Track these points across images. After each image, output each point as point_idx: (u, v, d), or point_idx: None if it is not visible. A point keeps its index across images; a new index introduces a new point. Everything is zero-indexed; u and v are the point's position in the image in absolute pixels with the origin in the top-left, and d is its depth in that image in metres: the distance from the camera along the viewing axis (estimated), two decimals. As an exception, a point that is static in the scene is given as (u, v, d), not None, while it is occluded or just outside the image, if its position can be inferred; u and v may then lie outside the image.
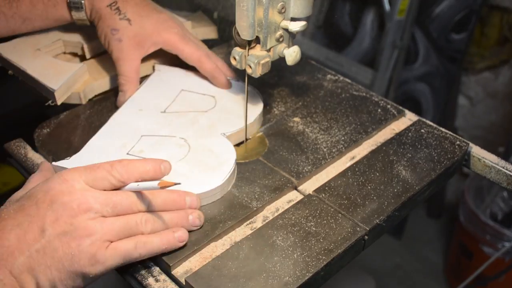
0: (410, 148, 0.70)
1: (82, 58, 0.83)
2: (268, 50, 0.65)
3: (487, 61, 1.81)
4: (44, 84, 0.73)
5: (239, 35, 0.62)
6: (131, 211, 0.52)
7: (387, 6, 1.56)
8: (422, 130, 0.73)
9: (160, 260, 0.54)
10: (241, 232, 0.58)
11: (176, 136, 0.67)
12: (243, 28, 0.61)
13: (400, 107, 0.77)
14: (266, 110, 0.76)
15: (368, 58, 1.72)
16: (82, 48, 0.82)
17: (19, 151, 0.68)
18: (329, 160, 0.68)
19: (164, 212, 0.54)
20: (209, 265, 0.53)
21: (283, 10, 0.62)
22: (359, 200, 0.61)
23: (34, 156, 0.68)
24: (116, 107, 0.74)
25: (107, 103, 0.76)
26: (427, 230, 1.97)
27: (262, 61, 0.64)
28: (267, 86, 0.81)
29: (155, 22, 0.74)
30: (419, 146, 0.70)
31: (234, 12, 0.61)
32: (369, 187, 0.63)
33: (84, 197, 0.49)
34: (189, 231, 0.56)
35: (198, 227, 0.57)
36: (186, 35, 0.77)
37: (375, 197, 0.62)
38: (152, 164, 0.53)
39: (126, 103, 0.72)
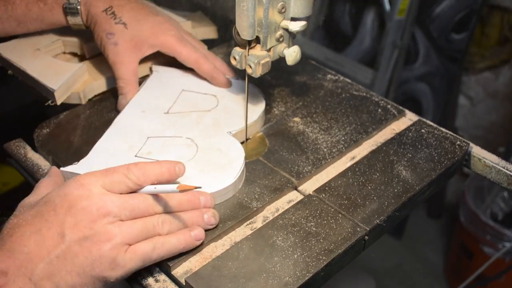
0: (411, 148, 0.70)
1: (82, 58, 0.83)
2: (268, 50, 0.65)
3: (488, 61, 1.81)
4: (44, 84, 0.73)
5: (239, 35, 0.62)
6: (148, 214, 0.52)
7: (387, 6, 1.56)
8: (423, 130, 0.73)
9: (160, 261, 0.54)
10: (241, 232, 0.58)
11: (182, 137, 0.67)
12: (243, 28, 0.61)
13: (400, 107, 0.77)
14: (266, 110, 0.76)
15: (368, 58, 1.72)
16: (82, 48, 0.82)
17: (18, 151, 0.68)
18: (329, 160, 0.67)
19: (180, 213, 0.55)
20: (209, 265, 0.53)
21: (283, 10, 0.62)
22: (359, 200, 0.61)
23: (34, 156, 0.68)
24: (116, 107, 0.74)
25: (107, 103, 0.76)
26: (428, 230, 1.97)
27: (262, 61, 0.64)
28: (267, 86, 0.81)
29: (152, 25, 0.74)
30: (419, 146, 0.70)
31: (234, 12, 0.60)
32: (369, 187, 0.63)
33: (102, 201, 0.49)
34: (205, 230, 0.56)
35: (214, 226, 0.57)
36: (183, 37, 0.76)
37: (375, 197, 0.62)
38: (167, 166, 0.54)
39: (128, 105, 0.72)
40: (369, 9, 1.70)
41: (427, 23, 1.63)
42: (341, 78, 0.83)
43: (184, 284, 0.52)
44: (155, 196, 0.53)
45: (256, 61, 0.63)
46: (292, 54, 0.66)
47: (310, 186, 0.65)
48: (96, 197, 0.50)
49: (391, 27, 1.56)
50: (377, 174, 0.65)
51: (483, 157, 0.70)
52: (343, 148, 0.69)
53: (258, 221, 0.60)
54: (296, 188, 0.64)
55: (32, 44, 0.80)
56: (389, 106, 0.77)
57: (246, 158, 0.67)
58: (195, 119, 0.70)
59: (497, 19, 1.74)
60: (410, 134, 0.72)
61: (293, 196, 0.63)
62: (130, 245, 0.50)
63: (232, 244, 0.57)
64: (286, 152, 0.68)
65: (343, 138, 0.71)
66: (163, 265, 0.54)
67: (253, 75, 0.65)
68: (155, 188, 0.52)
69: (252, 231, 0.58)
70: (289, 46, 0.66)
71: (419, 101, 1.74)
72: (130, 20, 0.73)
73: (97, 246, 0.48)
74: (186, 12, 0.95)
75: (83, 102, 0.77)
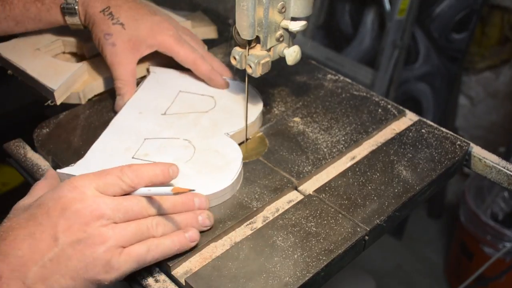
0: (411, 148, 0.69)
1: (82, 57, 0.83)
2: (268, 50, 0.65)
3: (488, 60, 1.81)
4: (44, 84, 0.73)
5: (239, 35, 0.62)
6: (141, 216, 0.52)
7: (387, 6, 1.56)
8: (423, 130, 0.73)
9: (160, 261, 0.54)
10: (241, 232, 0.58)
11: (179, 138, 0.67)
12: (243, 27, 0.61)
13: (401, 107, 0.77)
14: (266, 110, 0.76)
15: (369, 57, 1.72)
16: (82, 48, 0.82)
17: (18, 151, 0.68)
18: (329, 160, 0.67)
19: (174, 215, 0.54)
20: (209, 265, 0.53)
21: (283, 10, 0.62)
22: (359, 200, 0.61)
23: (34, 156, 0.67)
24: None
25: (107, 103, 0.76)
26: (428, 230, 1.97)
27: (262, 61, 0.64)
28: (267, 86, 0.80)
29: (150, 25, 0.74)
30: (419, 146, 0.70)
31: (234, 12, 0.60)
32: (369, 187, 0.63)
33: (96, 203, 0.49)
34: (201, 232, 0.56)
35: (209, 227, 0.57)
36: (182, 37, 0.76)
37: (375, 197, 0.62)
38: (161, 168, 0.54)
39: (125, 106, 0.72)
40: (369, 9, 1.70)
41: (427, 23, 1.63)
42: (341, 78, 0.83)
43: (184, 284, 0.52)
44: (149, 198, 0.52)
45: (256, 61, 0.63)
46: (292, 54, 0.65)
47: (310, 186, 0.65)
48: (90, 199, 0.49)
49: (391, 27, 1.56)
50: (377, 174, 0.65)
51: (483, 157, 0.70)
52: (343, 148, 0.69)
53: (258, 221, 0.60)
54: (296, 188, 0.64)
55: (31, 44, 0.80)
56: (389, 106, 0.77)
57: (246, 158, 0.67)
58: (192, 120, 0.70)
59: (497, 19, 1.73)
60: (410, 134, 0.72)
61: (293, 196, 0.63)
62: (124, 247, 0.49)
63: (232, 244, 0.56)
64: (286, 152, 0.68)
65: (343, 138, 0.71)
66: (163, 265, 0.54)
67: (253, 75, 0.65)
68: (149, 190, 0.52)
69: (252, 231, 0.58)
70: (289, 46, 0.66)
71: (420, 101, 1.74)
72: (128, 20, 0.73)
73: (90, 249, 0.48)
74: (186, 12, 0.95)
75: (83, 102, 0.77)
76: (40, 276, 0.47)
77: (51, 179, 0.58)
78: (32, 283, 0.47)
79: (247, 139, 0.71)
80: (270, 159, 0.67)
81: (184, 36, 0.77)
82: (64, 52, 0.84)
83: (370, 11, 1.70)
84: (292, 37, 0.66)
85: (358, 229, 0.57)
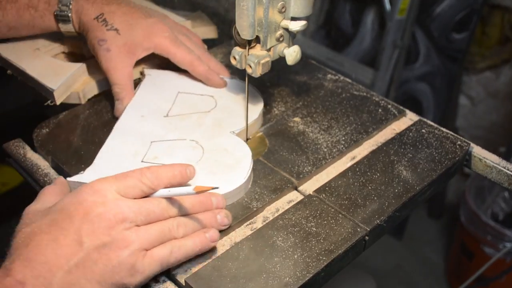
0: (411, 148, 0.69)
1: (82, 57, 0.83)
2: (268, 50, 0.64)
3: (488, 60, 1.80)
4: (43, 84, 0.73)
5: (239, 35, 0.62)
6: (162, 218, 0.52)
7: (387, 6, 1.56)
8: (423, 130, 0.73)
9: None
10: (241, 232, 0.58)
11: (186, 139, 0.67)
12: (243, 27, 0.61)
13: (401, 107, 0.77)
14: (266, 110, 0.76)
15: (369, 57, 1.72)
16: (81, 48, 0.82)
17: (18, 151, 0.68)
18: (329, 160, 0.67)
19: (194, 215, 0.54)
20: (209, 265, 0.53)
21: (283, 10, 0.62)
22: (359, 201, 0.61)
23: (33, 156, 0.67)
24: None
25: (106, 103, 0.76)
26: (428, 230, 1.97)
27: (262, 61, 0.64)
28: (267, 86, 0.80)
29: (145, 28, 0.74)
30: (420, 146, 0.70)
31: (234, 12, 0.60)
32: (369, 188, 0.63)
33: (118, 206, 0.49)
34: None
35: (227, 226, 0.57)
36: (177, 38, 0.76)
37: (375, 198, 0.62)
38: (179, 169, 0.54)
39: (126, 111, 0.71)
40: (369, 8, 1.70)
41: (427, 22, 1.63)
42: (341, 78, 0.83)
43: (184, 284, 0.52)
44: (169, 199, 0.53)
45: (256, 60, 0.63)
46: (292, 54, 0.65)
47: (310, 186, 0.65)
48: (112, 202, 0.49)
49: (391, 27, 1.56)
50: (378, 174, 0.65)
51: (483, 157, 0.70)
52: (344, 148, 0.69)
53: (258, 221, 0.60)
54: (296, 188, 0.64)
55: (31, 44, 0.80)
56: (389, 106, 0.77)
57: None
58: (196, 121, 0.70)
59: (497, 19, 1.73)
60: (410, 134, 0.72)
61: (293, 196, 0.63)
62: (147, 250, 0.49)
63: (232, 244, 0.56)
64: (286, 152, 0.68)
65: (343, 138, 0.71)
66: (162, 266, 0.54)
67: (253, 75, 0.65)
68: (169, 191, 0.52)
69: (252, 231, 0.57)
70: (289, 46, 0.66)
71: (420, 101, 1.74)
72: (122, 25, 0.73)
73: (115, 253, 0.47)
74: (186, 11, 0.95)
75: (83, 102, 0.77)
76: (66, 282, 0.46)
77: (60, 185, 0.58)
78: None
79: (247, 139, 0.70)
80: (270, 159, 0.67)
81: (180, 36, 0.77)
82: (64, 52, 0.84)
83: (370, 11, 1.70)
84: (292, 37, 0.66)
85: (358, 229, 0.57)
